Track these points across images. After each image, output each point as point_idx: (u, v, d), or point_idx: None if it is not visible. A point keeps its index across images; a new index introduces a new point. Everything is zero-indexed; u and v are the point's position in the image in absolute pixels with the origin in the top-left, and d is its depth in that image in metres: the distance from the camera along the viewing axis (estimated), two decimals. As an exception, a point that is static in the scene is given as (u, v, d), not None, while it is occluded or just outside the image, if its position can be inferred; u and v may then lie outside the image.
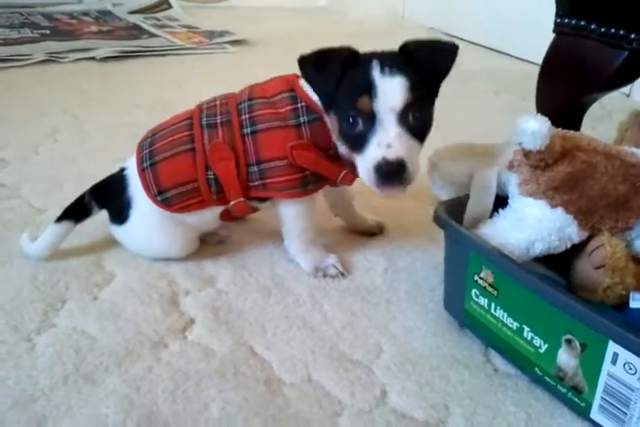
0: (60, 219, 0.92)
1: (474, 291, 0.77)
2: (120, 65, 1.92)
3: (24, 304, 0.82)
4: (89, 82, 1.76)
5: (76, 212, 0.92)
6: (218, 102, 0.90)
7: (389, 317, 0.83)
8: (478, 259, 0.75)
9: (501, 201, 0.83)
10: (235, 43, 2.21)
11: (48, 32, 2.14)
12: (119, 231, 0.93)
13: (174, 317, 0.81)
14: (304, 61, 0.80)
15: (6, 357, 0.73)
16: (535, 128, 0.74)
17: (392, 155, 0.76)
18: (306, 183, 0.86)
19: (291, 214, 0.92)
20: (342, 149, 0.85)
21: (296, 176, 0.85)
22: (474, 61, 2.21)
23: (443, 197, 0.89)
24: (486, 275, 0.74)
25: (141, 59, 1.98)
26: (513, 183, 0.81)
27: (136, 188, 0.89)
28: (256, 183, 0.87)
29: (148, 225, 0.91)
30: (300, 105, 0.84)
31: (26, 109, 1.53)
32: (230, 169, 0.85)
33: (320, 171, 0.86)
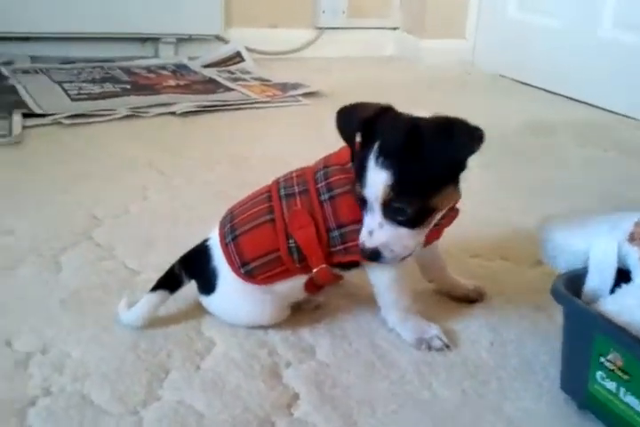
0: (154, 288, 0.92)
1: (599, 373, 0.72)
2: (199, 119, 1.96)
3: (128, 374, 0.82)
4: (170, 137, 1.80)
5: (168, 282, 0.93)
6: (294, 175, 0.91)
7: (502, 396, 0.79)
8: (606, 340, 0.70)
9: (622, 274, 0.79)
10: (307, 95, 2.24)
11: (128, 86, 2.22)
12: (208, 301, 0.93)
13: (278, 390, 0.79)
14: (336, 115, 0.84)
15: (115, 432, 0.72)
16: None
17: (370, 243, 0.80)
18: None
19: (383, 281, 0.90)
20: None
21: None
22: (550, 111, 2.18)
23: (555, 267, 0.85)
24: (615, 358, 0.70)
25: (218, 113, 2.02)
26: (634, 257, 0.77)
27: (220, 258, 0.90)
28: (338, 248, 0.86)
29: (236, 294, 0.90)
30: None
31: (112, 165, 1.56)
32: (311, 235, 0.85)
33: None
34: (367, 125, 0.80)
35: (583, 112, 2.16)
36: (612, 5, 2.18)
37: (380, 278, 0.90)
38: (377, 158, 0.77)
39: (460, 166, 0.80)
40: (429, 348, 0.87)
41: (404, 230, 0.79)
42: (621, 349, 0.69)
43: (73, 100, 2.02)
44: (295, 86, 2.30)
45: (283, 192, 0.89)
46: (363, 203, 0.81)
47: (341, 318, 0.95)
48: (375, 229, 0.79)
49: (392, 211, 0.78)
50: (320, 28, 2.93)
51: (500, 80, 2.58)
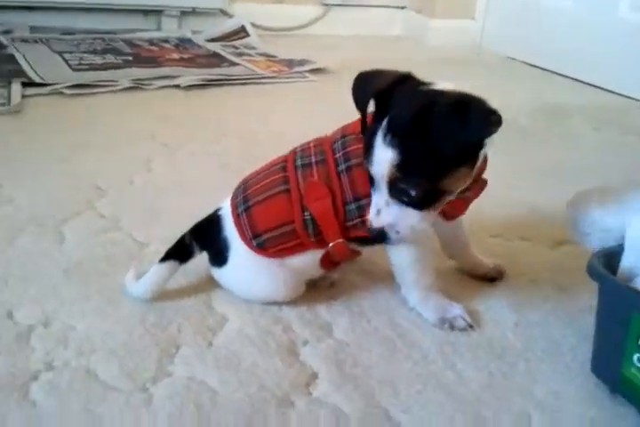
0: (163, 259, 0.88)
1: (636, 356, 0.69)
2: (203, 93, 1.90)
3: (136, 348, 0.78)
4: (174, 109, 1.74)
5: (178, 252, 0.88)
6: (312, 144, 0.87)
7: (531, 379, 0.75)
8: (646, 321, 0.67)
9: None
10: (314, 71, 2.18)
11: (130, 58, 2.16)
12: (219, 274, 0.89)
13: (296, 369, 0.76)
14: (353, 82, 0.78)
15: (125, 408, 0.68)
16: None
17: (376, 223, 0.76)
18: None
19: (404, 259, 0.85)
20: None
21: None
22: (561, 95, 2.13)
23: (587, 245, 0.81)
24: (655, 340, 0.66)
25: (223, 87, 1.96)
26: (674, 235, 0.73)
27: (232, 229, 0.86)
28: (355, 222, 0.82)
29: (249, 267, 0.86)
30: None
31: (113, 136, 1.51)
32: (327, 208, 0.81)
33: None
34: (381, 96, 0.75)
35: (595, 96, 2.11)
36: (628, -14, 2.12)
37: (400, 256, 0.85)
38: (385, 135, 0.72)
39: (476, 148, 0.74)
40: (452, 328, 0.84)
41: (411, 211, 0.75)
42: (663, 330, 0.65)
43: (74, 70, 1.96)
44: (302, 62, 2.24)
45: (299, 162, 0.84)
46: (371, 180, 0.76)
47: (358, 296, 0.91)
48: (382, 208, 0.75)
49: (398, 191, 0.74)
50: (327, 5, 2.87)
51: (509, 62, 2.53)
